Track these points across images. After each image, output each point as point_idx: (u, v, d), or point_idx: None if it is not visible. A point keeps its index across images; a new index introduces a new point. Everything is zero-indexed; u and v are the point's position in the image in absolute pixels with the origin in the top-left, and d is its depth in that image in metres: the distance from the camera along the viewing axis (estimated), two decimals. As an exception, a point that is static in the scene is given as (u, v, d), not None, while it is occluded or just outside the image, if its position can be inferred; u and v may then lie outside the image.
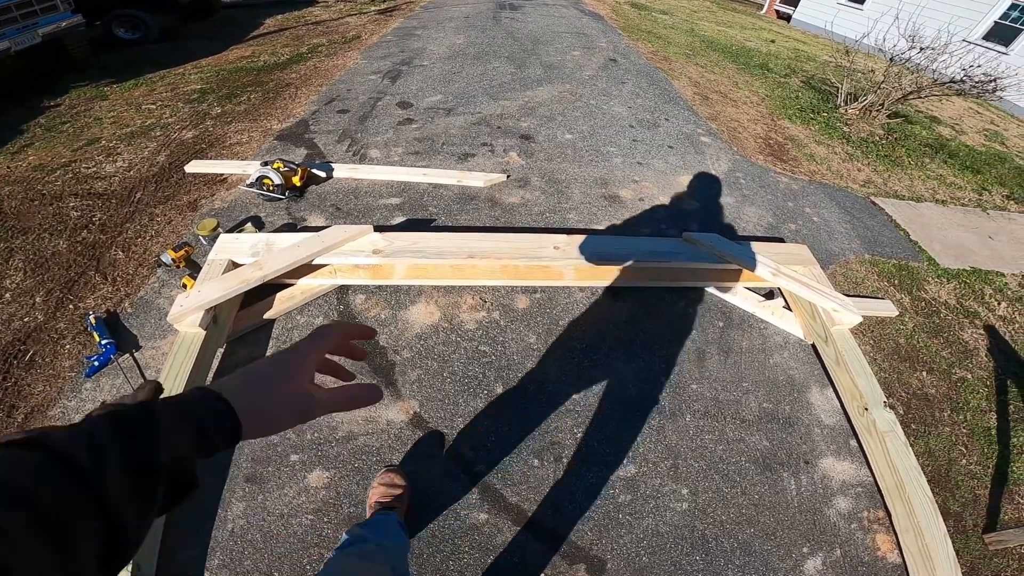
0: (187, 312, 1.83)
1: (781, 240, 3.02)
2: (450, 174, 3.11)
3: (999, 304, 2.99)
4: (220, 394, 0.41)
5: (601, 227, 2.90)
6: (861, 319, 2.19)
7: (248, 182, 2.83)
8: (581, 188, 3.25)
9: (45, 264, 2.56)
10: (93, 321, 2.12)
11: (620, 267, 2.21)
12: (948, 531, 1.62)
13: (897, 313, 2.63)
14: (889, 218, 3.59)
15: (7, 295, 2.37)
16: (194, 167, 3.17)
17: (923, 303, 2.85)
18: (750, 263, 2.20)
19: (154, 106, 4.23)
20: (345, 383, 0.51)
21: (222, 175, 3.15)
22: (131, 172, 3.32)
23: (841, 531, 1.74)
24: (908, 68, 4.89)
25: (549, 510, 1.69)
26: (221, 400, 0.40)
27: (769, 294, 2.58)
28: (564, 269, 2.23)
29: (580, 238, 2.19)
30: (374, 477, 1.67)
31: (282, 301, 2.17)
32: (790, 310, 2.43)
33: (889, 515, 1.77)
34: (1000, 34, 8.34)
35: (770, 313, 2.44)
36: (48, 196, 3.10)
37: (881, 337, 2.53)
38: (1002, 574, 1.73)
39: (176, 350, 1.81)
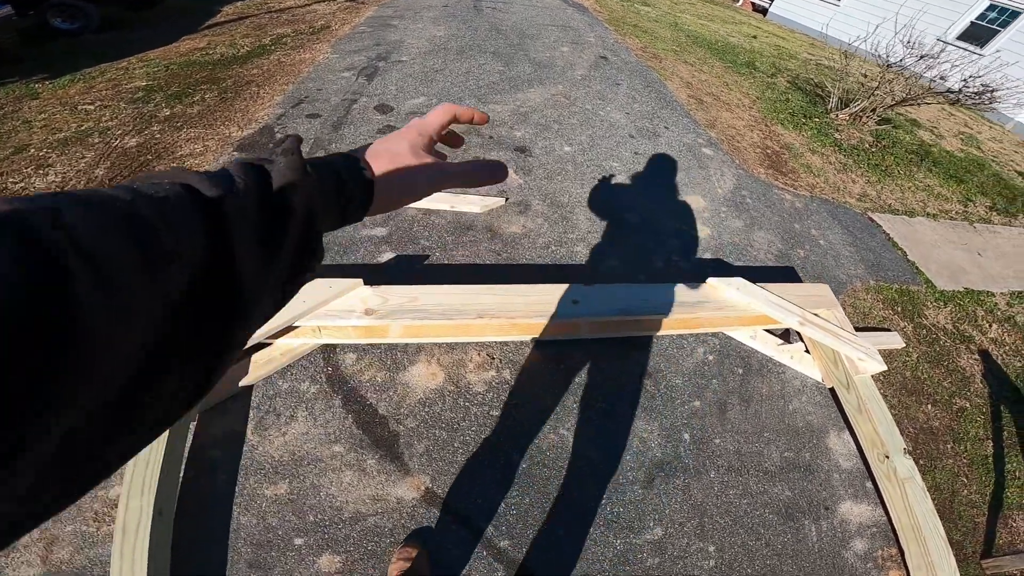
0: None
1: (793, 270, 2.90)
2: (442, 198, 2.80)
3: (990, 326, 3.03)
4: (356, 157, 0.40)
5: (612, 262, 2.68)
6: (885, 368, 2.09)
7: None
8: (586, 213, 3.00)
9: None
10: None
11: (641, 320, 2.00)
12: None
13: (903, 345, 2.61)
14: (887, 236, 3.56)
15: None
16: (143, 188, 2.73)
17: (924, 330, 2.84)
18: (778, 311, 2.04)
19: (92, 107, 3.68)
20: (472, 160, 0.46)
21: (177, 197, 2.73)
22: (65, 189, 2.84)
23: (858, 571, 1.76)
24: (901, 75, 4.83)
25: None
26: (357, 157, 0.40)
27: (785, 334, 2.44)
28: (582, 325, 1.99)
29: (599, 289, 1.96)
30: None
31: (259, 365, 1.86)
32: (808, 353, 2.30)
33: (901, 552, 1.81)
34: (976, 34, 8.50)
35: (788, 357, 2.33)
36: None
37: (890, 371, 2.51)
38: None
39: None
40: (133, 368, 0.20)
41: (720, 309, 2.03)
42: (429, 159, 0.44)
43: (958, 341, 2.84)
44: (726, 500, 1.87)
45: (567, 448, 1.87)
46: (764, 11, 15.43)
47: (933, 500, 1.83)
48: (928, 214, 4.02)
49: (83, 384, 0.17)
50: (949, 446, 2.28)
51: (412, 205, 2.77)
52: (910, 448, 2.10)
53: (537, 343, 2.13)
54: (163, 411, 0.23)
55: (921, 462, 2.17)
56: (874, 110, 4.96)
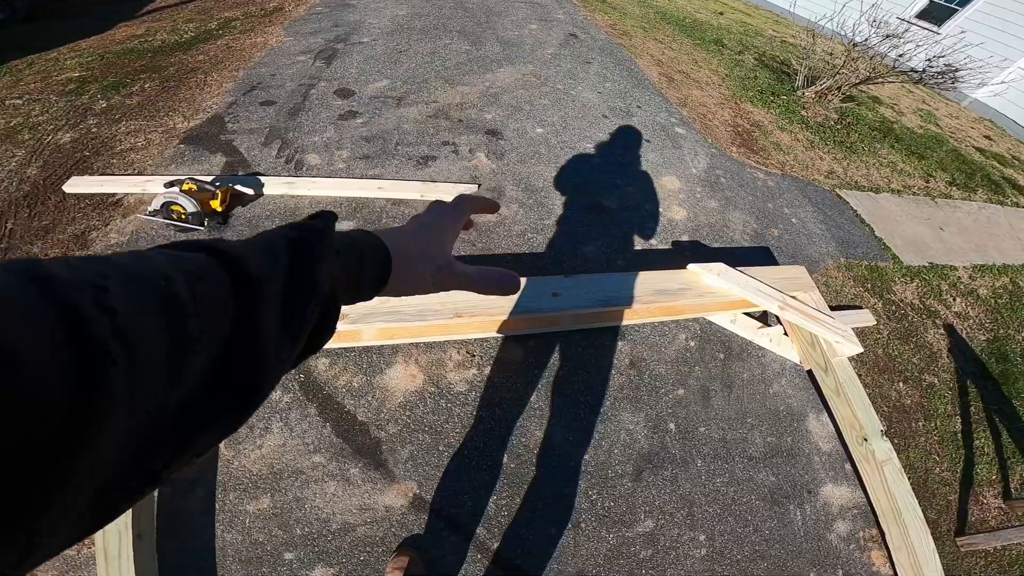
0: None
1: (768, 251, 2.91)
2: (411, 186, 2.66)
3: (954, 300, 3.12)
4: (380, 239, 0.41)
5: (590, 248, 2.61)
6: (862, 349, 2.11)
7: (151, 209, 2.24)
8: (562, 198, 2.92)
9: None
10: None
11: (624, 311, 1.94)
12: None
13: (875, 322, 2.66)
14: (855, 212, 3.62)
15: None
16: (75, 186, 2.49)
17: (893, 306, 2.90)
18: (758, 296, 2.02)
19: (20, 101, 3.32)
20: (485, 267, 0.47)
21: (114, 195, 2.50)
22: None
23: (842, 553, 1.81)
24: (866, 54, 4.88)
25: None
26: (378, 239, 0.41)
27: (763, 316, 2.45)
28: (563, 318, 1.93)
29: (579, 280, 1.89)
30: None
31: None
32: (787, 335, 2.31)
33: (882, 534, 1.85)
34: (934, 13, 8.66)
35: (768, 340, 2.35)
36: None
37: (863, 350, 2.53)
38: (972, 571, 1.89)
39: None
40: (143, 438, 0.21)
41: (701, 295, 1.99)
42: (450, 257, 0.46)
43: (924, 316, 2.91)
44: (713, 488, 1.88)
45: (555, 445, 1.82)
46: (729, -13, 15.41)
47: (909, 480, 1.87)
48: (892, 190, 4.11)
49: (101, 454, 0.18)
50: (920, 424, 2.33)
51: (374, 194, 2.63)
52: (885, 428, 2.15)
53: (519, 337, 2.05)
54: (171, 466, 0.24)
55: (896, 441, 2.22)
56: (839, 88, 5.01)
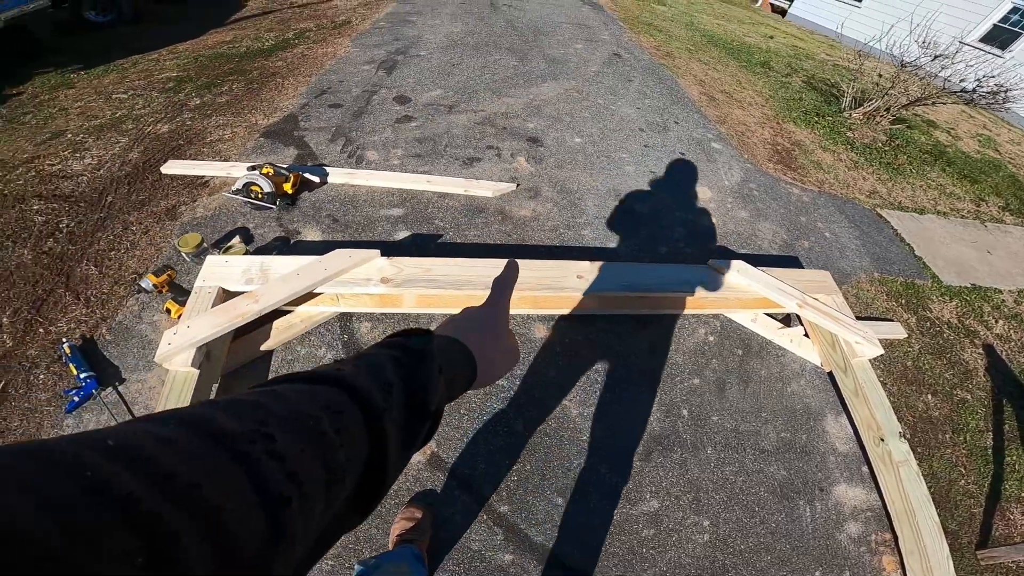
0: (176, 351, 1.64)
1: (796, 259, 2.95)
2: (456, 182, 2.91)
3: (996, 322, 3.04)
4: (463, 343, 0.44)
5: (617, 246, 2.76)
6: (883, 351, 2.14)
7: (234, 188, 2.58)
8: (595, 200, 3.09)
9: (9, 278, 2.29)
10: (68, 351, 1.89)
11: (644, 297, 2.08)
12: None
13: (905, 335, 2.64)
14: (895, 232, 3.57)
15: None
16: (171, 168, 2.89)
17: (928, 323, 2.86)
18: (777, 294, 2.10)
19: (125, 95, 3.87)
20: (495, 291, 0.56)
21: (203, 177, 2.88)
22: (101, 171, 3.02)
23: (851, 554, 1.80)
24: (916, 75, 4.82)
25: (575, 548, 1.66)
26: (466, 348, 0.44)
27: (786, 319, 2.50)
28: (587, 300, 2.08)
29: (604, 266, 2.04)
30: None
31: (280, 330, 1.98)
32: (808, 337, 2.35)
33: (895, 538, 1.83)
34: (998, 37, 8.36)
35: (788, 341, 2.38)
36: (10, 197, 2.79)
37: (890, 360, 2.54)
38: None
39: (167, 391, 1.62)
40: (301, 560, 0.25)
41: (721, 289, 2.09)
42: (510, 340, 0.53)
43: (962, 335, 2.86)
44: (722, 476, 1.92)
45: (569, 419, 1.95)
46: (783, 12, 15.33)
47: (930, 488, 1.87)
48: (939, 212, 4.02)
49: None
50: (948, 436, 2.30)
51: (424, 187, 2.89)
52: (907, 433, 2.15)
53: (543, 317, 2.22)
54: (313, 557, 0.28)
55: (919, 450, 2.19)
56: (888, 109, 4.95)
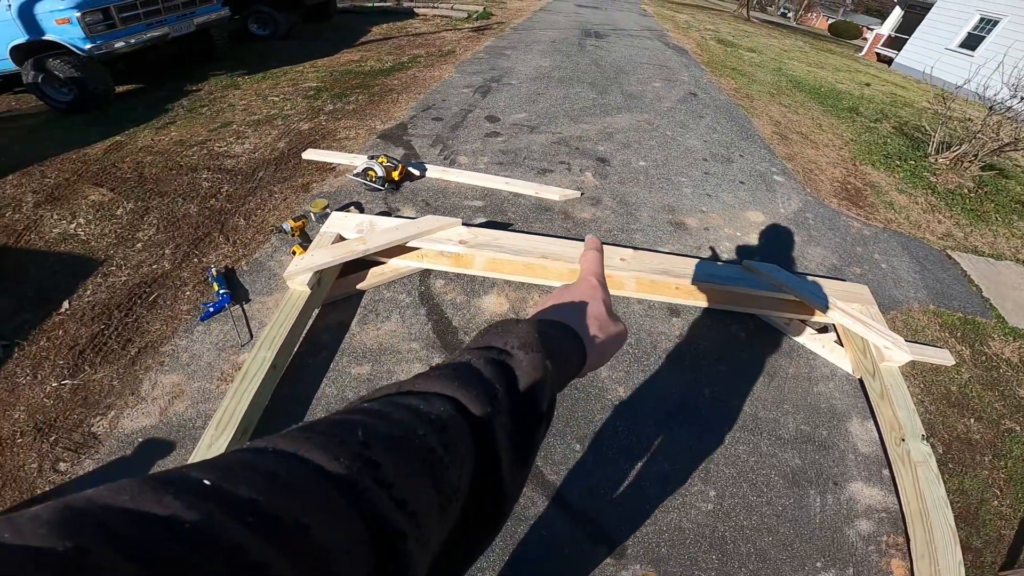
0: (300, 271, 2.20)
1: (841, 279, 3.04)
2: (529, 185, 3.40)
3: None
4: (574, 329, 0.42)
5: (665, 250, 3.06)
6: (911, 358, 2.21)
7: (355, 172, 3.26)
8: (649, 212, 3.43)
9: (176, 224, 3.07)
10: (214, 273, 2.53)
11: (679, 285, 2.37)
12: (965, 564, 1.66)
13: (954, 363, 2.61)
14: (963, 272, 3.49)
15: (139, 245, 2.87)
16: (310, 155, 3.67)
17: (984, 357, 2.80)
18: (806, 295, 2.28)
19: (278, 98, 4.88)
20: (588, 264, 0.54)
21: (332, 164, 3.62)
22: (256, 154, 3.88)
23: (858, 551, 1.79)
24: (1008, 118, 4.66)
25: (583, 492, 1.83)
26: (573, 330, 0.42)
27: (823, 329, 2.62)
28: (626, 280, 2.42)
29: (645, 254, 2.37)
30: None
31: (374, 276, 2.52)
32: (841, 345, 2.46)
33: (907, 539, 1.81)
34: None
35: (820, 346, 2.49)
36: (185, 168, 3.69)
37: (933, 383, 2.54)
38: None
39: (284, 304, 2.16)
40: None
41: (753, 286, 2.33)
42: (614, 319, 0.48)
43: (1021, 373, 2.76)
44: (734, 454, 2.01)
45: (598, 381, 2.24)
46: (890, 61, 14.78)
47: (957, 504, 1.88)
48: (1019, 260, 3.84)
49: None
50: (987, 459, 2.26)
51: (502, 187, 3.40)
52: (929, 439, 2.15)
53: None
54: None
55: (950, 466, 2.18)
56: (976, 154, 4.80)
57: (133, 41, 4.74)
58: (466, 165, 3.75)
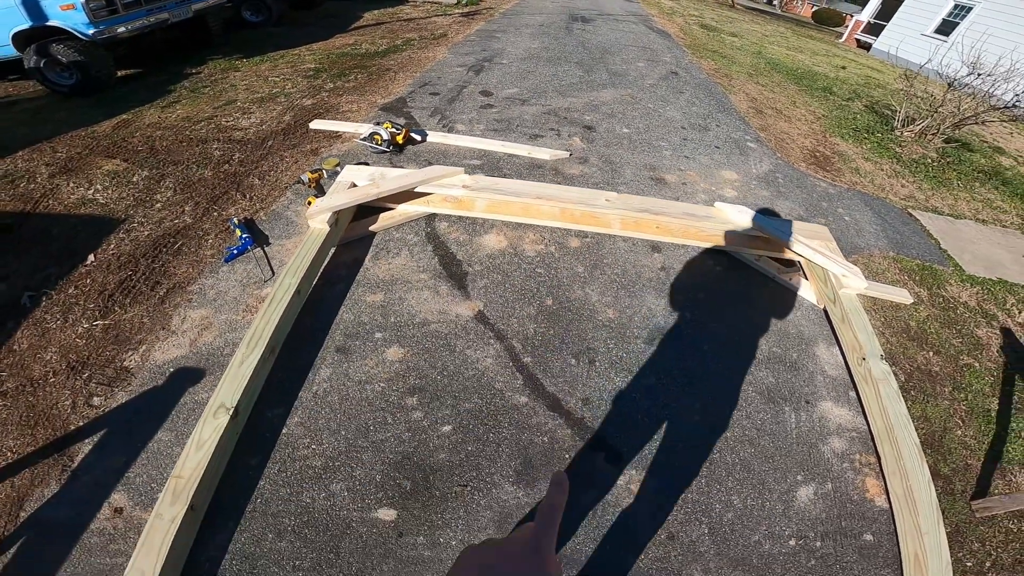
0: (320, 211, 2.46)
1: (804, 221, 3.35)
2: (522, 147, 3.68)
3: (1020, 312, 3.10)
4: None
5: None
6: (867, 284, 2.50)
7: (362, 136, 3.52)
8: (632, 170, 3.73)
9: (193, 186, 3.29)
10: (236, 221, 2.77)
11: (658, 223, 2.67)
12: (936, 492, 1.75)
13: (912, 301, 2.84)
14: (923, 228, 3.78)
15: (158, 205, 3.08)
16: (317, 124, 3.91)
17: (941, 299, 3.04)
18: (772, 230, 2.59)
19: (278, 79, 5.09)
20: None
21: (339, 132, 3.86)
22: (263, 126, 4.10)
23: (834, 468, 1.93)
24: (969, 94, 5.03)
25: (580, 403, 2.03)
26: None
27: (789, 263, 2.90)
28: (612, 219, 2.71)
29: (628, 196, 2.67)
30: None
31: (384, 219, 2.79)
32: (806, 278, 2.77)
33: (879, 459, 1.93)
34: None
35: (787, 279, 2.78)
36: (195, 140, 3.90)
37: (893, 318, 2.77)
38: (987, 543, 1.80)
39: (306, 239, 2.41)
40: None
41: (724, 224, 2.63)
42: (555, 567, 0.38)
43: (978, 316, 2.96)
44: (714, 371, 2.21)
45: (589, 303, 2.52)
46: (868, 47, 15.26)
47: (921, 430, 1.99)
48: (978, 219, 4.17)
49: None
50: (947, 390, 2.39)
51: (497, 149, 3.67)
52: (891, 365, 2.29)
53: (579, 233, 2.84)
54: None
55: (912, 393, 2.31)
56: (938, 128, 5.16)
57: (134, 26, 4.91)
58: (463, 132, 4.01)
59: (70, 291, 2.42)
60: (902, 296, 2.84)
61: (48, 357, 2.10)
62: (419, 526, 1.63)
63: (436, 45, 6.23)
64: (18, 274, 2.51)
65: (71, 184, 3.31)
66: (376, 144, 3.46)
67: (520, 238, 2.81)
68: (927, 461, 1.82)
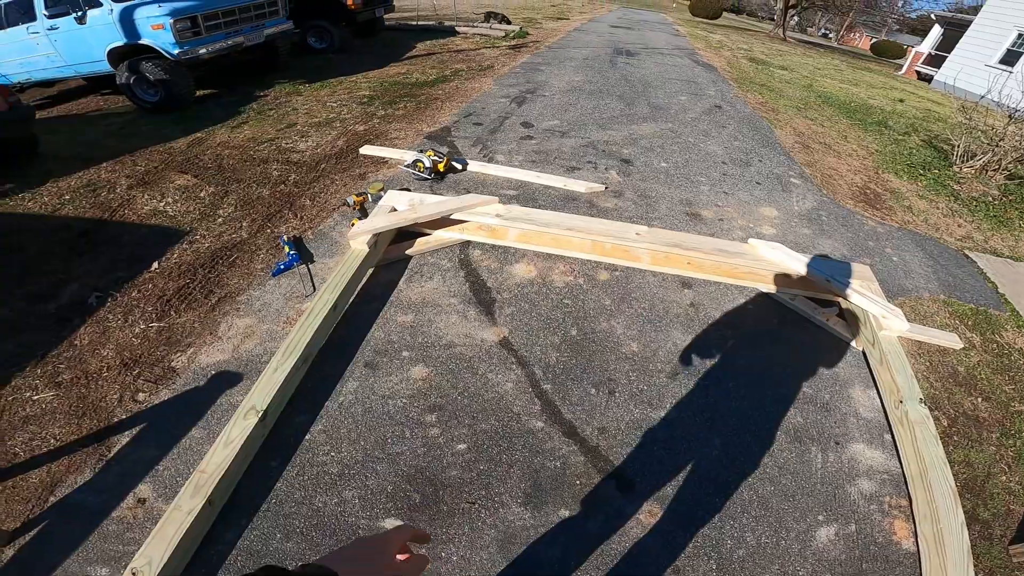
0: (361, 232, 2.63)
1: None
2: (558, 179, 3.78)
3: None
4: (333, 570, 0.42)
5: (679, 233, 3.35)
6: (908, 326, 2.37)
7: (406, 163, 3.73)
8: (668, 204, 3.73)
9: (252, 204, 3.58)
10: (286, 239, 3.00)
11: (689, 258, 2.66)
12: (973, 537, 1.70)
13: (962, 346, 2.68)
14: (979, 271, 3.55)
15: (219, 220, 3.38)
16: (367, 150, 4.19)
17: (995, 345, 2.84)
18: (808, 268, 2.52)
19: (335, 104, 5.48)
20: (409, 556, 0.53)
21: (385, 158, 4.11)
22: (318, 150, 4.42)
23: (860, 509, 1.84)
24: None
25: (596, 431, 2.04)
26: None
27: (826, 303, 2.79)
28: (642, 253, 2.73)
29: (658, 230, 2.69)
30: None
31: (420, 244, 2.93)
32: (844, 319, 2.66)
33: (911, 502, 1.84)
34: None
35: (824, 319, 2.67)
36: (257, 160, 4.25)
37: (939, 363, 2.62)
38: None
39: (345, 258, 2.57)
40: None
41: (757, 261, 2.59)
42: (396, 568, 0.48)
43: None
44: (740, 407, 2.15)
45: (614, 335, 2.53)
46: (929, 79, 14.63)
47: (962, 474, 1.90)
48: (1045, 265, 3.88)
49: None
50: (995, 436, 2.28)
51: (533, 180, 3.78)
52: (932, 410, 2.19)
53: (608, 266, 2.87)
54: None
55: (954, 438, 2.21)
56: (1000, 163, 4.86)
57: (214, 48, 5.44)
58: (503, 162, 4.17)
59: (133, 294, 2.68)
60: (951, 341, 2.67)
61: (105, 353, 2.31)
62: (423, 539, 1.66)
63: (482, 76, 6.53)
64: (89, 275, 2.81)
65: (146, 196, 3.69)
66: (419, 171, 3.66)
67: (550, 268, 2.87)
68: (964, 505, 1.74)
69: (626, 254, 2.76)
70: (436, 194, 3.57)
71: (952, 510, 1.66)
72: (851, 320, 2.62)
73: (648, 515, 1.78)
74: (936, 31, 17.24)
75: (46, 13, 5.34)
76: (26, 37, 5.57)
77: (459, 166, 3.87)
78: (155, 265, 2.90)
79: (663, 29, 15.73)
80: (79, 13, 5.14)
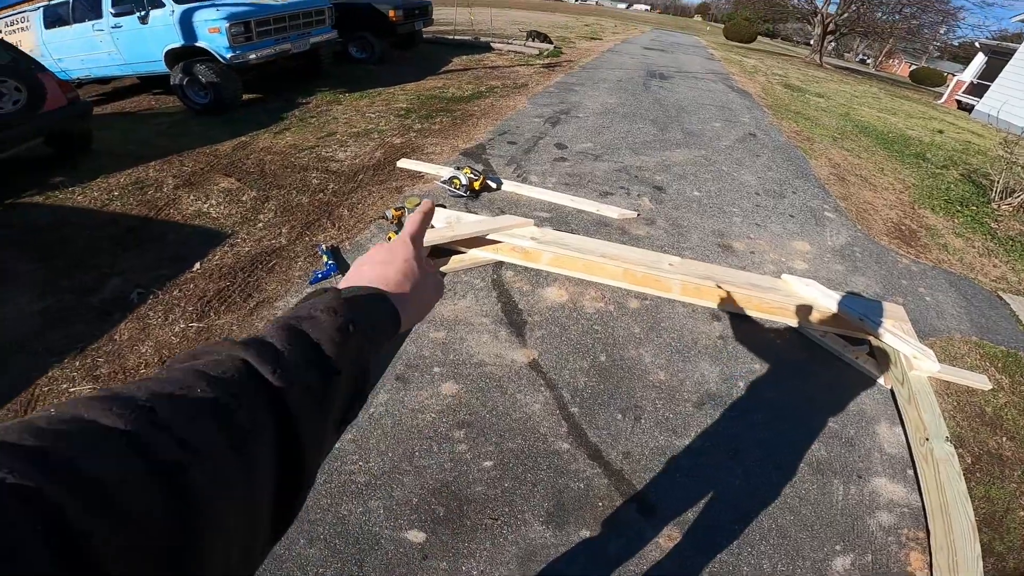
0: None
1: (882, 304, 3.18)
2: (591, 204, 3.84)
3: None
4: (382, 292, 0.42)
5: (710, 264, 3.36)
6: (939, 367, 2.36)
7: (442, 179, 3.84)
8: (699, 235, 3.75)
9: (291, 210, 3.72)
10: (324, 248, 3.11)
11: (720, 291, 2.67)
12: (986, 569, 1.72)
13: (991, 387, 2.65)
14: (1013, 313, 3.47)
15: (260, 224, 3.52)
16: (404, 163, 4.32)
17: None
18: (840, 307, 2.51)
19: (374, 115, 5.67)
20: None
21: (421, 173, 4.23)
22: (356, 160, 4.58)
23: (877, 540, 1.86)
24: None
25: (621, 455, 2.06)
26: (378, 292, 0.43)
27: (857, 342, 2.77)
28: (673, 284, 2.75)
29: (691, 262, 2.71)
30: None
31: (455, 262, 3.01)
32: (874, 357, 2.63)
33: (928, 534, 1.87)
34: None
35: (853, 357, 2.65)
36: (297, 167, 4.42)
37: (967, 403, 2.58)
38: None
39: None
40: (244, 528, 0.26)
41: (789, 297, 2.59)
42: (429, 270, 0.49)
43: None
44: (763, 439, 2.17)
45: (642, 363, 2.56)
46: (971, 109, 14.28)
47: (982, 509, 1.91)
48: (1085, 313, 3.76)
49: (225, 534, 0.24)
50: (1017, 474, 2.26)
51: (567, 203, 3.85)
52: (957, 448, 2.18)
53: (639, 295, 2.90)
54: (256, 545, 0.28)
55: (977, 475, 2.20)
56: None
57: (263, 54, 5.64)
58: (536, 183, 4.25)
59: (174, 293, 2.79)
60: (980, 382, 2.65)
61: (143, 350, 2.39)
62: (444, 551, 1.71)
63: (517, 94, 6.67)
64: (133, 271, 2.94)
65: (191, 196, 3.86)
66: (454, 188, 3.76)
67: (581, 294, 2.92)
68: (981, 538, 1.77)
69: (658, 284, 2.79)
70: (470, 211, 3.66)
71: (969, 542, 1.69)
72: (881, 358, 2.60)
73: (667, 539, 1.81)
74: (980, 59, 16.80)
75: (113, 11, 5.56)
76: (91, 34, 5.80)
77: (494, 185, 3.96)
78: (197, 265, 3.01)
79: (697, 52, 15.78)
80: (143, 12, 5.36)
